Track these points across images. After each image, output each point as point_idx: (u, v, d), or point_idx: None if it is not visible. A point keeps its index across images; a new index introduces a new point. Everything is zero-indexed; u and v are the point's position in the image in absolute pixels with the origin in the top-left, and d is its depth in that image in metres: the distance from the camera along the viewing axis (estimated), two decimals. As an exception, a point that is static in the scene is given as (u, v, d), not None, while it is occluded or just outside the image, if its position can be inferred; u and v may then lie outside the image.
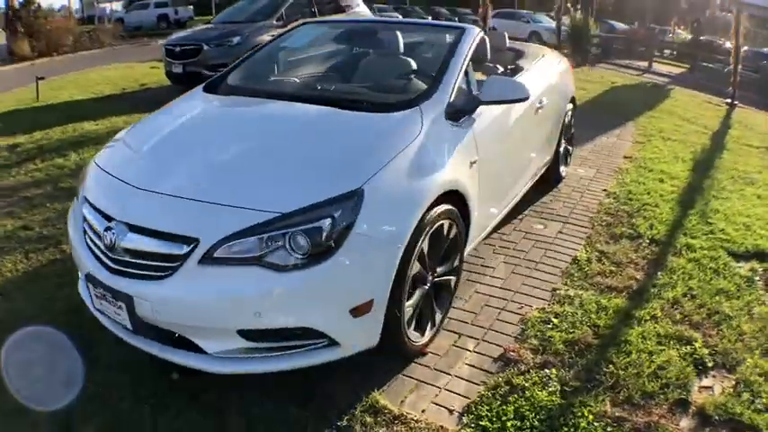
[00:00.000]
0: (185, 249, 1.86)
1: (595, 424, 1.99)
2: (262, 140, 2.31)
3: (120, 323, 2.03)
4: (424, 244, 2.16)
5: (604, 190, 4.47)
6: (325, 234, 1.85)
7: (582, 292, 2.90)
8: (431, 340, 2.44)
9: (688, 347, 2.45)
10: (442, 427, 1.99)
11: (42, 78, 8.36)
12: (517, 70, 3.68)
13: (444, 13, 30.94)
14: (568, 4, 16.81)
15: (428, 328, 2.41)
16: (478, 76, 3.43)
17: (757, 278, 3.16)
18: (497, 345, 2.47)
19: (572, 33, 15.75)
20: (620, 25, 24.73)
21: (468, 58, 2.82)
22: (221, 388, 2.12)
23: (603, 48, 18.15)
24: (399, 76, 2.95)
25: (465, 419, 2.02)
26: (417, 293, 2.28)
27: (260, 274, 1.83)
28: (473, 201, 2.55)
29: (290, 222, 1.86)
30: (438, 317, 2.49)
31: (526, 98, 2.72)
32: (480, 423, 2.00)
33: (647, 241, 3.54)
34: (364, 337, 2.06)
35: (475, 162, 2.57)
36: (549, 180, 4.43)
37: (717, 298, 2.89)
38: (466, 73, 2.78)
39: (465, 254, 2.74)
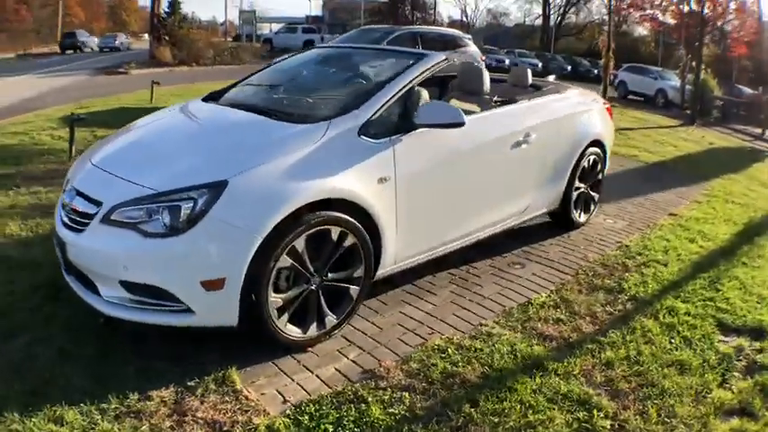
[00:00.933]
0: (95, 210, 2.30)
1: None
2: (190, 136, 2.79)
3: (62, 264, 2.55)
4: (298, 242, 2.29)
5: (619, 242, 4.10)
6: (184, 213, 2.16)
7: (506, 333, 2.72)
8: (317, 340, 2.51)
9: (584, 414, 2.18)
10: (265, 410, 2.07)
11: (158, 83, 9.68)
12: (509, 103, 3.60)
13: (584, 64, 30.80)
14: (693, 64, 15.84)
15: (313, 327, 2.49)
16: (470, 106, 3.45)
17: (739, 358, 2.70)
18: (377, 359, 2.43)
19: (692, 93, 15.46)
20: (749, 90, 22.55)
21: (412, 82, 2.89)
22: (127, 337, 2.43)
23: (724, 111, 16.88)
24: (339, 93, 3.11)
25: (289, 411, 2.07)
26: (296, 289, 2.39)
27: (131, 237, 2.19)
28: (383, 219, 2.61)
29: (161, 199, 2.19)
30: (330, 320, 2.55)
31: (459, 124, 2.74)
32: (299, 418, 2.03)
33: (626, 297, 3.20)
34: (220, 313, 2.25)
35: (386, 179, 2.62)
36: (560, 225, 4.19)
37: (665, 370, 2.52)
38: (408, 96, 2.84)
39: (386, 273, 2.80)
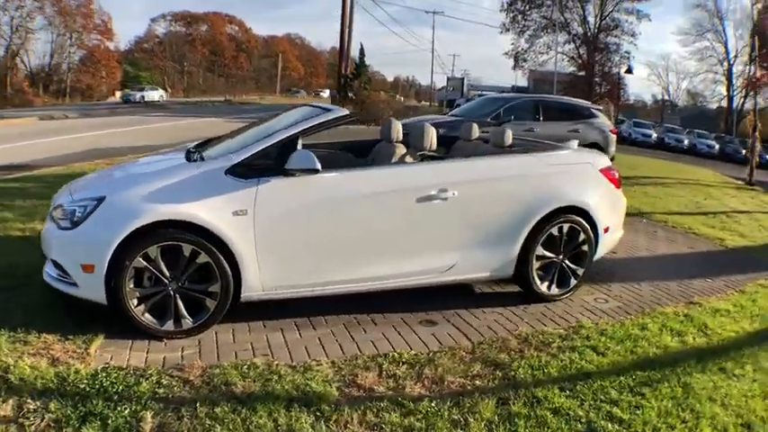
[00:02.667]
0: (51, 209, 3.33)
1: None
2: (128, 171, 3.73)
3: None
4: (151, 250, 2.96)
5: (578, 322, 3.63)
6: (77, 215, 3.03)
7: (328, 371, 2.83)
8: (174, 335, 3.09)
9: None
10: (88, 362, 2.77)
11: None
12: (437, 159, 3.67)
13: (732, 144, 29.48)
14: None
15: (170, 323, 3.07)
16: (409, 159, 3.69)
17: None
18: (196, 361, 2.84)
19: None
20: None
21: (295, 133, 3.34)
22: (59, 310, 3.26)
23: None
24: (246, 142, 3.50)
25: (101, 368, 2.72)
26: (154, 288, 3.04)
27: (55, 229, 3.13)
28: (240, 246, 3.07)
29: (71, 205, 3.11)
30: (187, 322, 3.09)
31: (312, 169, 3.13)
32: (102, 374, 2.66)
33: (500, 374, 2.91)
34: (94, 291, 2.99)
35: (242, 213, 3.06)
36: (526, 297, 3.93)
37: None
38: (289, 145, 3.26)
39: (255, 297, 3.24)
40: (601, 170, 4.12)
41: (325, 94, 50.15)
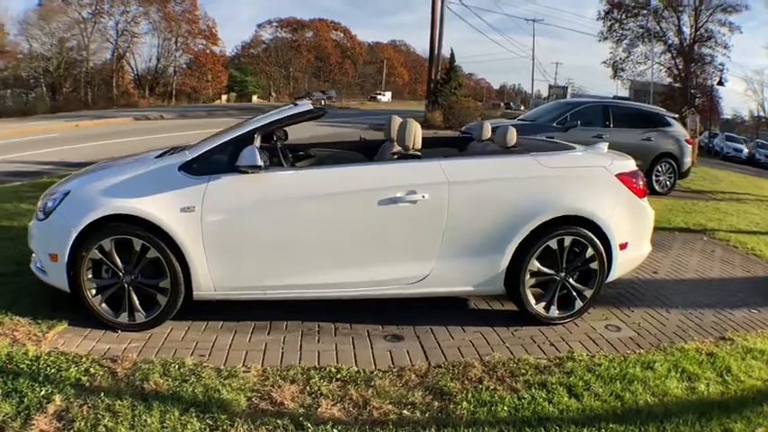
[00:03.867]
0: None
1: None
2: (108, 168, 3.65)
3: None
4: (105, 243, 3.03)
5: (570, 352, 3.10)
6: (48, 207, 3.18)
7: (250, 377, 2.67)
8: (129, 327, 3.13)
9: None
10: (41, 344, 2.91)
11: (366, 139, 11.23)
12: (409, 158, 3.36)
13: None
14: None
15: (124, 315, 3.12)
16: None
17: None
18: (131, 354, 2.86)
19: None
20: None
21: (249, 130, 3.23)
22: (41, 297, 3.47)
23: None
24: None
25: (48, 351, 2.83)
26: (110, 280, 3.10)
27: (34, 219, 3.32)
28: (188, 244, 3.04)
29: (45, 197, 3.29)
30: (140, 316, 3.13)
31: (252, 166, 3.01)
32: (47, 357, 2.76)
33: (436, 406, 2.54)
34: (59, 279, 3.11)
35: (190, 209, 3.02)
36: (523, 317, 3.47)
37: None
38: (244, 141, 3.14)
39: (207, 296, 3.19)
40: (618, 175, 3.52)
41: (384, 97, 51.14)
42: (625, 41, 39.75)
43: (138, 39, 41.64)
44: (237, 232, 3.10)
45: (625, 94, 44.85)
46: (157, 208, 3.01)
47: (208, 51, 45.18)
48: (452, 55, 26.77)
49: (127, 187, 3.09)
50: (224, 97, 45.16)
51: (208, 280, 3.11)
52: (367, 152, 4.29)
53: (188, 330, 3.19)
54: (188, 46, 44.33)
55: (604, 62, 41.75)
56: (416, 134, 3.50)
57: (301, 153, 4.28)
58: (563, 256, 3.38)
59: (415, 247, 3.27)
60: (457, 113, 22.94)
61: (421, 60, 73.66)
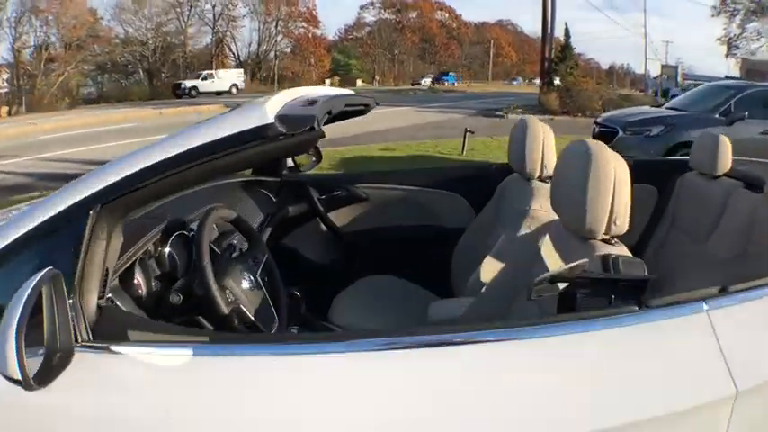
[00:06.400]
0: None
1: None
2: None
3: None
4: None
5: None
6: None
7: None
8: None
9: None
10: None
11: (472, 132, 8.70)
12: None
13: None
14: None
15: None
16: None
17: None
18: None
19: None
20: None
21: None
22: None
23: None
24: None
25: None
26: None
27: None
28: None
29: None
30: None
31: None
32: None
33: None
34: None
35: None
36: None
37: None
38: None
39: None
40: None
41: (517, 81, 48.78)
42: (738, 16, 36.60)
43: (235, 23, 41.15)
44: None
45: (736, 74, 40.99)
46: None
47: (309, 35, 44.81)
48: (567, 30, 24.00)
49: None
50: (327, 81, 45.02)
51: None
52: (464, 183, 2.50)
53: None
54: (288, 29, 43.73)
55: (719, 39, 38.60)
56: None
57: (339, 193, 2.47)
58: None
59: None
60: (575, 97, 20.46)
61: (529, 41, 69.64)
